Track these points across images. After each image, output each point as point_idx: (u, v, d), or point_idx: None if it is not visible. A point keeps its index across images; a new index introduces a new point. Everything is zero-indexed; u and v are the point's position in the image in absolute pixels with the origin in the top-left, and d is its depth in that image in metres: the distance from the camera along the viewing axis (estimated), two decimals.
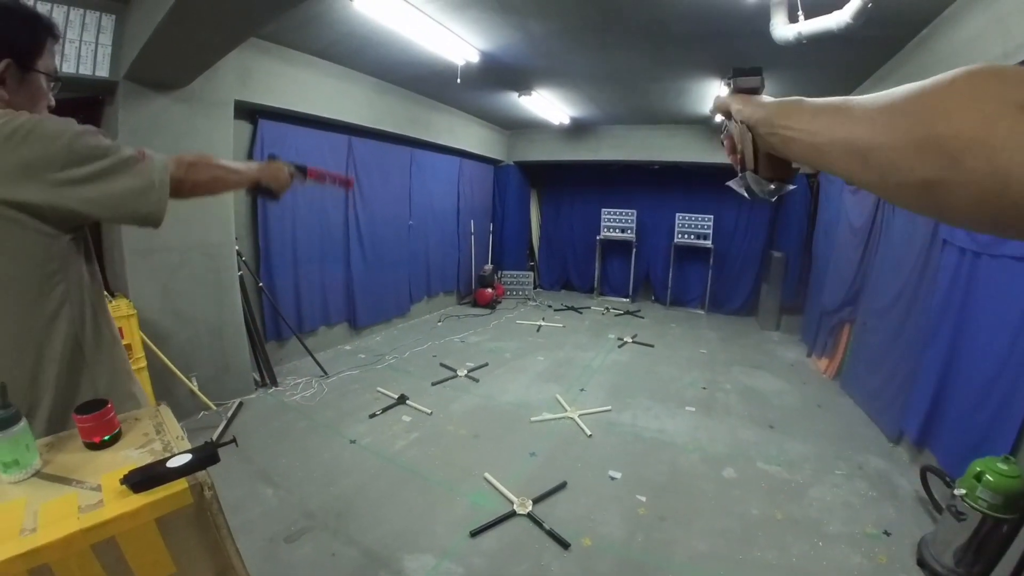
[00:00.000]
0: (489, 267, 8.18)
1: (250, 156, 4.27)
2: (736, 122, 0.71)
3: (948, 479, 2.61)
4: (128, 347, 2.58)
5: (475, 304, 7.92)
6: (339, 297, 5.48)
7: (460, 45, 3.92)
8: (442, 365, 5.03)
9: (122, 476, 0.87)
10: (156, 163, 1.19)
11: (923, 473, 2.88)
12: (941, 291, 3.24)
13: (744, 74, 0.73)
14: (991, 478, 2.19)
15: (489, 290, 7.89)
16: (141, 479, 0.89)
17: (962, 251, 3.08)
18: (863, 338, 4.47)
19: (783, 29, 2.96)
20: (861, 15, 2.50)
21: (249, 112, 4.19)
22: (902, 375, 3.61)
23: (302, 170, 1.70)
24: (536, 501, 2.81)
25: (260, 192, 1.60)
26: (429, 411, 3.95)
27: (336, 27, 3.75)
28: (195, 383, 3.60)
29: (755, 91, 0.72)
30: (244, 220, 4.36)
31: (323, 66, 4.54)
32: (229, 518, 0.94)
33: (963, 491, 2.27)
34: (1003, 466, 2.22)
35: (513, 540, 2.53)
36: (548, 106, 6.20)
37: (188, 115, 3.49)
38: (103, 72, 3.06)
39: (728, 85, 0.74)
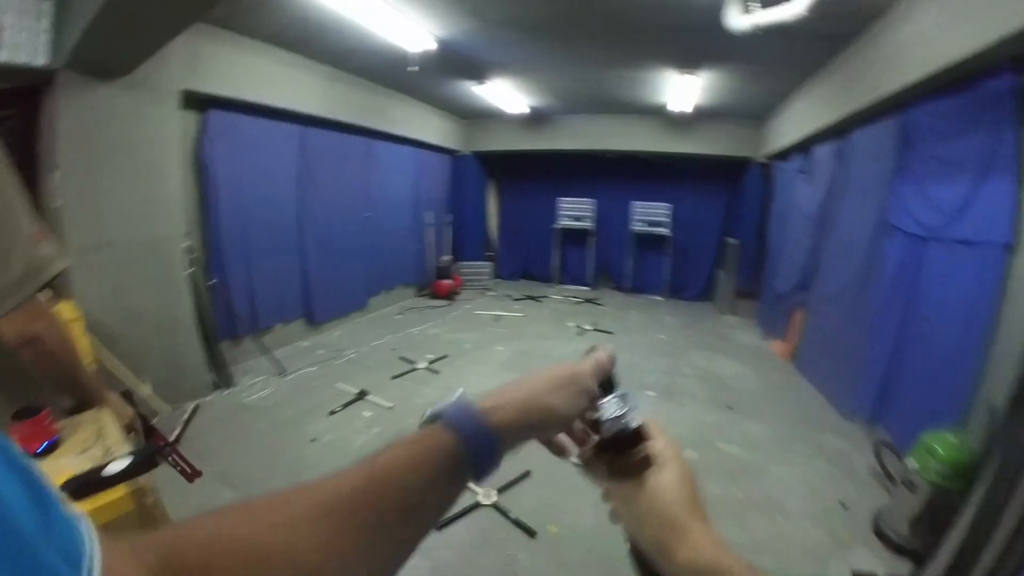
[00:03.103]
0: (447, 258, 8.10)
1: (199, 147, 4.08)
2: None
3: (900, 453, 2.71)
4: None
5: (434, 296, 7.81)
6: (295, 292, 5.30)
7: (416, 32, 3.83)
8: (402, 358, 4.94)
9: (60, 485, 0.82)
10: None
11: (876, 448, 2.99)
12: (890, 274, 3.35)
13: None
14: (941, 450, 2.29)
15: (448, 281, 7.81)
16: (79, 486, 0.86)
17: (909, 236, 3.21)
18: (816, 321, 4.62)
19: (737, 20, 2.99)
20: (814, 8, 2.54)
21: (198, 102, 3.97)
22: (854, 355, 3.73)
23: (148, 430, 1.39)
24: (500, 491, 2.77)
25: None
26: (390, 405, 3.87)
27: (287, 11, 3.60)
28: (148, 387, 3.42)
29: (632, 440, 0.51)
30: (193, 215, 4.13)
31: (275, 53, 4.35)
32: None
33: (915, 464, 2.36)
34: (952, 438, 2.32)
35: (479, 531, 2.50)
36: (506, 95, 6.14)
37: (133, 105, 3.29)
38: (41, 60, 2.82)
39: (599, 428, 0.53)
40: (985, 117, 2.58)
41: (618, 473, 0.50)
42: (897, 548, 2.37)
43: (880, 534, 2.48)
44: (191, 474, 1.32)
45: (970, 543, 1.79)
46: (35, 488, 0.26)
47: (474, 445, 0.43)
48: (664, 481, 0.48)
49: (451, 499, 0.44)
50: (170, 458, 1.28)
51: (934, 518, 2.25)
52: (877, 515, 2.58)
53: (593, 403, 0.52)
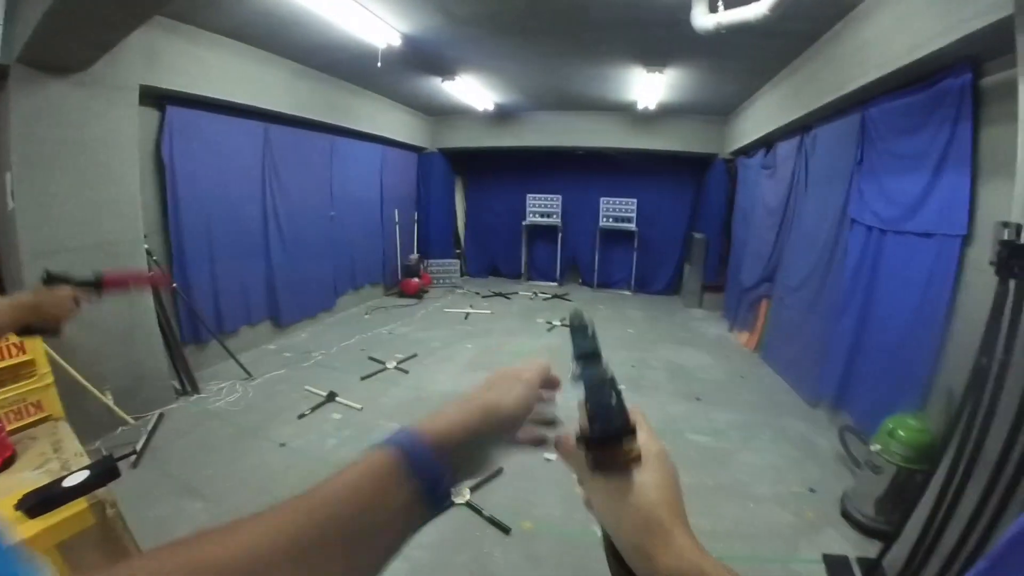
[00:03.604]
0: (415, 256, 8.02)
1: (158, 146, 3.93)
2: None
3: (864, 437, 2.80)
4: (31, 363, 2.27)
5: (402, 294, 7.74)
6: (260, 294, 5.16)
7: (381, 27, 3.78)
8: (371, 358, 4.86)
9: (16, 501, 0.80)
10: None
11: (841, 433, 3.09)
12: (850, 265, 3.47)
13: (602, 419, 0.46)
14: (903, 433, 2.38)
15: (415, 280, 7.73)
16: (36, 503, 0.82)
17: (869, 229, 3.32)
18: (780, 312, 4.74)
19: (703, 19, 3.03)
20: (777, 8, 2.58)
21: (156, 98, 3.82)
22: (817, 344, 3.85)
23: (97, 284, 1.30)
24: (473, 489, 2.75)
25: (31, 332, 1.21)
26: (359, 407, 3.81)
27: (250, 5, 3.49)
28: (110, 397, 3.25)
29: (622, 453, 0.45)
30: (153, 216, 3.97)
31: (237, 48, 4.22)
32: (156, 537, 0.84)
33: (878, 447, 2.45)
34: (913, 422, 2.42)
35: (454, 530, 2.48)
36: (472, 92, 6.11)
37: (89, 101, 3.14)
38: None
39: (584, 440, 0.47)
40: (941, 113, 2.68)
41: (602, 467, 0.46)
42: (864, 529, 2.46)
43: (847, 516, 2.56)
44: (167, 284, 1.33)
45: (934, 522, 1.85)
46: None
47: (413, 457, 0.41)
48: (649, 481, 0.44)
49: (398, 525, 0.41)
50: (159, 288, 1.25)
51: (898, 499, 2.33)
52: (844, 497, 2.66)
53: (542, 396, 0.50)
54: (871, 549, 2.28)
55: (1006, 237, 1.73)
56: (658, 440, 0.49)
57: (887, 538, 2.14)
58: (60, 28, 2.48)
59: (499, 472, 2.92)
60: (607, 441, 0.45)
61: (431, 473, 0.42)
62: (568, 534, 2.47)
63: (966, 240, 2.55)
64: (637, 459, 0.45)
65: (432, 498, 0.42)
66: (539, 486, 2.84)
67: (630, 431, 0.45)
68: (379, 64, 4.37)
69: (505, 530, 2.47)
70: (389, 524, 0.40)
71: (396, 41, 4.02)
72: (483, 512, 2.56)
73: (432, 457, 0.42)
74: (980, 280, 2.28)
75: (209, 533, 0.34)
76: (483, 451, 0.48)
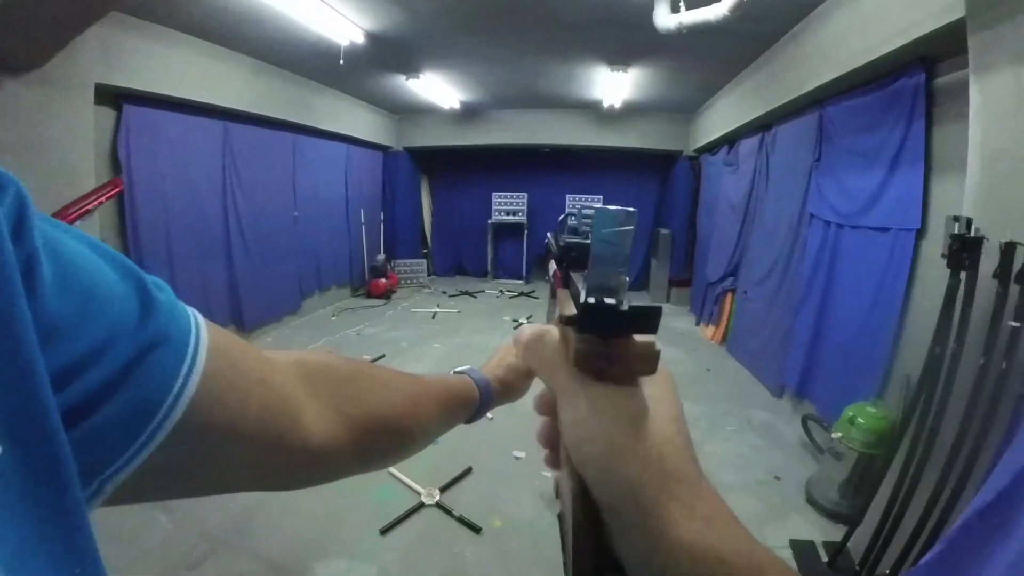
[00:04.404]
0: (382, 257, 7.93)
1: (114, 146, 3.78)
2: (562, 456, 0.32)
3: (826, 425, 2.89)
4: None
5: (369, 295, 7.63)
6: (223, 298, 5.00)
7: (344, 24, 3.71)
8: None
9: None
10: None
11: (804, 421, 3.18)
12: (810, 259, 3.58)
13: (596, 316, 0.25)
14: (863, 420, 2.47)
15: (383, 280, 7.65)
16: None
17: (827, 224, 3.42)
18: (744, 305, 4.85)
19: (665, 19, 3.06)
20: (737, 9, 2.63)
21: (112, 96, 3.67)
22: (780, 336, 3.95)
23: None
24: (443, 489, 2.74)
25: None
26: None
27: (209, 0, 3.39)
28: None
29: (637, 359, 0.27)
30: (109, 218, 3.83)
31: (196, 45, 4.09)
32: (124, 551, 0.80)
33: (840, 434, 2.53)
34: (872, 409, 2.51)
35: (424, 531, 2.46)
36: (437, 90, 6.06)
37: (42, 101, 2.99)
38: None
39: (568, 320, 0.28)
40: (896, 112, 2.78)
41: (599, 367, 0.27)
42: (829, 514, 2.54)
43: (812, 501, 2.64)
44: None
45: (894, 505, 1.93)
46: (137, 282, 0.30)
47: (479, 384, 0.68)
48: (663, 406, 0.29)
49: (459, 414, 0.65)
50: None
51: (860, 484, 2.42)
52: (808, 484, 2.74)
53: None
54: (836, 533, 2.35)
55: (957, 231, 1.80)
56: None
57: (851, 522, 2.21)
58: (10, 25, 2.37)
59: (469, 471, 2.92)
60: (620, 322, 0.26)
61: (486, 394, 0.68)
62: (539, 530, 2.48)
63: (920, 234, 2.65)
64: (652, 363, 0.27)
65: (479, 409, 0.67)
66: (508, 484, 2.85)
67: (653, 315, 0.26)
68: (341, 61, 4.29)
69: (476, 529, 2.45)
70: (456, 412, 0.64)
71: (359, 38, 3.96)
72: (453, 512, 2.54)
73: (487, 386, 0.68)
74: (933, 272, 2.37)
75: (398, 375, 0.57)
76: (514, 388, 0.73)
